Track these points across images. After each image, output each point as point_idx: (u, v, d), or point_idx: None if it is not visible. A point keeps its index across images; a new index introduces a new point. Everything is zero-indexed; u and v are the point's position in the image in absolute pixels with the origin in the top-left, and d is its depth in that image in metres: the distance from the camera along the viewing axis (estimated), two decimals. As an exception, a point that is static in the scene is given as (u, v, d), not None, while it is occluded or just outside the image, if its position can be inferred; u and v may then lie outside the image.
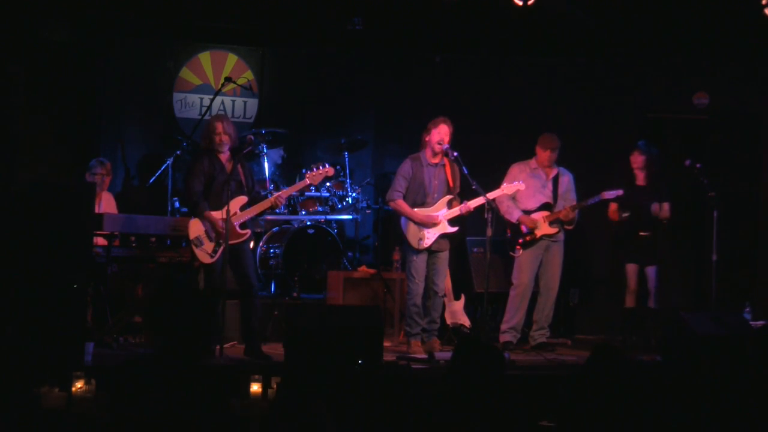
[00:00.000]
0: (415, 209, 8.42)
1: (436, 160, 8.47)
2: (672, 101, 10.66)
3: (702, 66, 10.53)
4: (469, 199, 8.40)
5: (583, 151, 10.18)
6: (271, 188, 9.36)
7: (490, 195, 8.35)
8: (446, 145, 8.38)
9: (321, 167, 8.22)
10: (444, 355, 7.89)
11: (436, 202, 8.46)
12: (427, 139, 8.44)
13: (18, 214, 7.31)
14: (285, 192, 8.17)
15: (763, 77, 10.39)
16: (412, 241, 8.40)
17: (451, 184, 8.47)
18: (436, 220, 8.37)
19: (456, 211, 8.41)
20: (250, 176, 8.09)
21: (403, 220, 8.48)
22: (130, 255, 8.32)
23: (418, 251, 8.40)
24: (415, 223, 8.40)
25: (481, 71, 10.64)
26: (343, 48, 10.51)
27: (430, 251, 8.44)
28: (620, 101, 10.58)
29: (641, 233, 9.18)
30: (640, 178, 9.32)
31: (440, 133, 8.36)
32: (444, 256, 8.49)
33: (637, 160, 9.30)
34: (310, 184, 8.36)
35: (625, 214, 9.16)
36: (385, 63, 10.66)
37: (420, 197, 8.45)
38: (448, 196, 8.48)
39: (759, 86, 10.43)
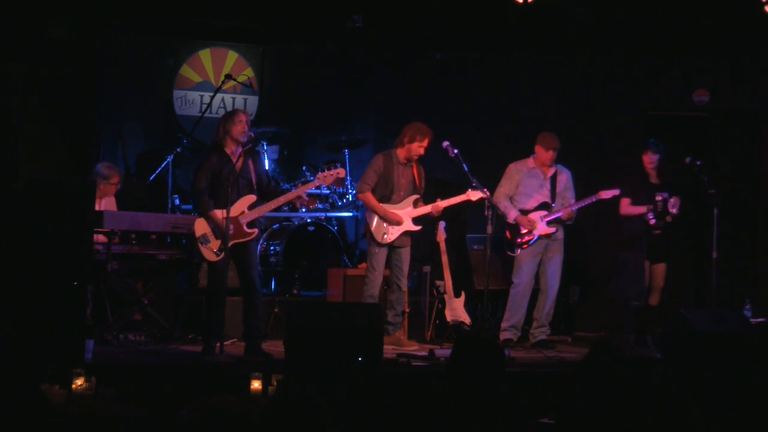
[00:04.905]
0: (382, 204, 8.46)
1: (405, 161, 8.53)
2: (672, 99, 10.65)
3: (702, 63, 10.53)
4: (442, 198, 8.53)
5: (583, 150, 10.18)
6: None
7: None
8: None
9: (333, 168, 8.21)
10: (444, 352, 7.89)
11: (402, 200, 8.52)
12: (407, 144, 8.45)
13: (18, 211, 7.31)
14: (303, 189, 8.16)
15: (764, 74, 10.38)
16: (377, 234, 8.46)
17: (417, 183, 8.54)
18: (401, 220, 8.43)
19: (427, 208, 8.48)
20: (264, 173, 8.09)
21: (369, 212, 8.53)
22: (130, 252, 8.33)
23: (381, 245, 8.45)
24: (380, 217, 8.44)
25: (481, 69, 10.64)
26: (343, 45, 10.51)
27: (393, 246, 8.50)
28: (620, 99, 10.56)
29: (654, 231, 9.11)
30: (654, 176, 9.23)
31: (424, 147, 8.43)
32: (406, 252, 8.56)
33: (653, 159, 9.17)
34: (321, 185, 8.38)
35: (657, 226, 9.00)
36: (385, 60, 10.66)
37: (387, 192, 8.51)
38: (415, 196, 8.56)
39: (759, 83, 10.42)
